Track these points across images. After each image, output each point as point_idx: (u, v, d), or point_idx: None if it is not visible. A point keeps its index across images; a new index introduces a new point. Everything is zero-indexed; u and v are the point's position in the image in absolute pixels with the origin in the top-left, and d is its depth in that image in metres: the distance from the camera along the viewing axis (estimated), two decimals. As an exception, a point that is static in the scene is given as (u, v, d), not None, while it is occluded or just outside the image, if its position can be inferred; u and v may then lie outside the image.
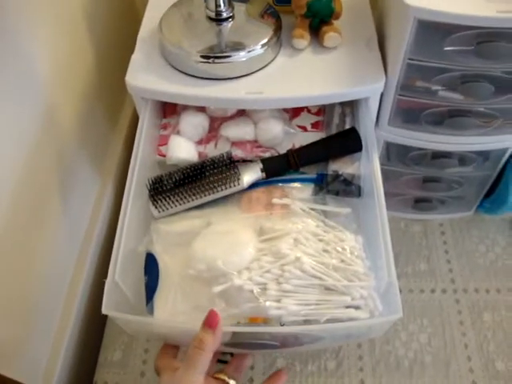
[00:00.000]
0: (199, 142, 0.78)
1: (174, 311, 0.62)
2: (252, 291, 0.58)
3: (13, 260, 0.68)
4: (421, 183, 0.91)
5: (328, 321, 0.59)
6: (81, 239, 0.89)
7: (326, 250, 0.63)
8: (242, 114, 0.80)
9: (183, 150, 0.75)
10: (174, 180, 0.71)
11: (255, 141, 0.77)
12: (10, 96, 0.65)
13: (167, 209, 0.70)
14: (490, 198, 0.95)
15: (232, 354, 0.85)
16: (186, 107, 0.79)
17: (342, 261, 0.63)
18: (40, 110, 0.73)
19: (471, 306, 0.91)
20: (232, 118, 0.79)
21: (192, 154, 0.75)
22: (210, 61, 0.73)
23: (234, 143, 0.77)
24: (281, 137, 0.76)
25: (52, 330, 0.81)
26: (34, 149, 0.71)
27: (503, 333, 0.88)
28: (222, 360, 0.85)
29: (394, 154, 0.87)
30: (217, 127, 0.79)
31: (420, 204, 0.97)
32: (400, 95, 0.75)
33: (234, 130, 0.78)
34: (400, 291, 0.91)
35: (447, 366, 0.86)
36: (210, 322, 0.55)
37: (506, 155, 0.85)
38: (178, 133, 0.78)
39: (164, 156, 0.77)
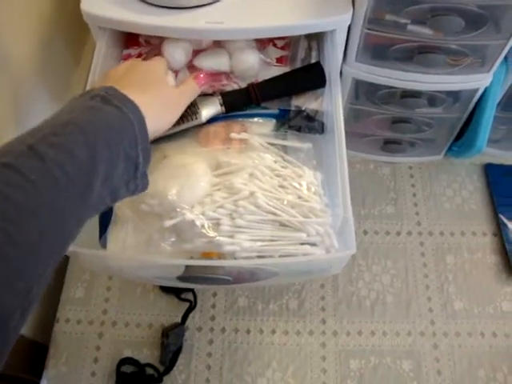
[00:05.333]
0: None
1: (127, 245, 0.60)
2: (203, 226, 0.57)
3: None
4: (390, 124, 0.90)
5: (282, 256, 0.58)
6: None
7: (282, 186, 0.61)
8: (217, 46, 0.76)
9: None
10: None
11: (230, 72, 0.74)
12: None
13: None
14: (459, 141, 0.94)
15: (194, 293, 0.85)
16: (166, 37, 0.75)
17: (299, 197, 0.61)
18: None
19: (435, 248, 0.92)
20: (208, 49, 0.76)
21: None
22: (172, -12, 0.69)
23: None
24: (256, 67, 0.73)
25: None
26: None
27: (464, 275, 0.89)
28: (184, 299, 0.85)
29: (362, 92, 0.85)
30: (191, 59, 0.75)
31: (389, 146, 0.95)
32: (368, 29, 0.73)
33: (208, 60, 0.74)
34: (366, 233, 0.92)
35: (408, 305, 0.87)
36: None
37: (476, 97, 0.83)
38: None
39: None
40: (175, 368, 0.81)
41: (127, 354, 0.83)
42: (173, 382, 0.81)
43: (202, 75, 0.66)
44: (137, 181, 0.48)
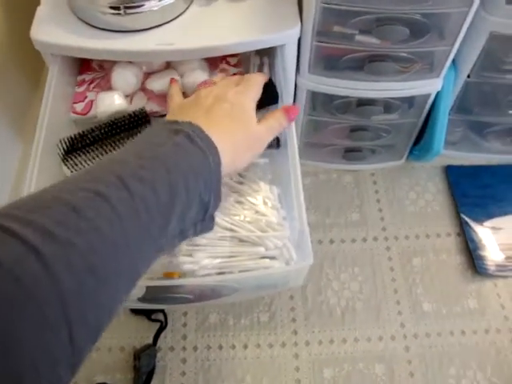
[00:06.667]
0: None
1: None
2: (161, 246, 0.57)
3: None
4: (348, 132, 0.91)
5: (242, 272, 0.59)
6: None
7: (239, 202, 0.62)
8: (169, 67, 0.77)
9: (116, 104, 0.72)
10: (85, 139, 0.68)
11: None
12: None
13: (79, 168, 0.67)
14: (419, 145, 0.95)
15: (164, 313, 0.85)
16: (116, 62, 0.75)
17: (256, 212, 0.62)
18: None
19: (401, 252, 0.93)
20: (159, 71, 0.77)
21: (124, 107, 0.72)
22: (121, 11, 0.69)
23: (150, 98, 0.74)
24: None
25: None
26: None
27: (430, 276, 0.90)
28: (154, 319, 0.85)
29: (319, 103, 0.86)
30: (144, 81, 0.76)
31: (350, 154, 0.97)
32: (318, 41, 0.74)
33: (159, 82, 0.75)
34: (332, 242, 0.93)
35: (377, 310, 0.88)
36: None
37: (429, 101, 0.85)
38: (100, 88, 0.75)
39: (79, 114, 0.74)
40: (149, 390, 0.81)
41: (100, 379, 0.82)
42: (147, 404, 0.80)
43: (296, 108, 0.62)
44: (204, 223, 0.48)
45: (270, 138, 0.58)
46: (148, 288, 0.60)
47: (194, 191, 0.44)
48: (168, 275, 0.60)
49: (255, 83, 0.60)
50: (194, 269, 0.58)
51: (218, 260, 0.59)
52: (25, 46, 0.90)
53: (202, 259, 0.58)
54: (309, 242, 0.59)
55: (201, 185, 0.45)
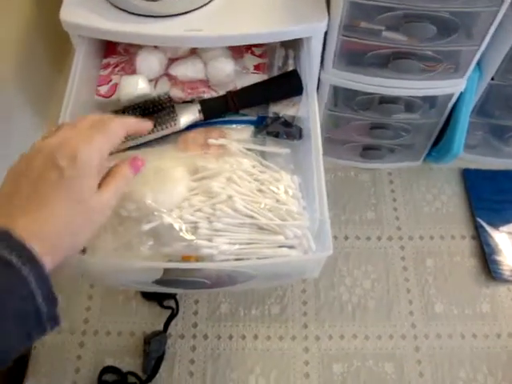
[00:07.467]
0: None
1: (106, 249, 0.60)
2: (181, 229, 0.57)
3: None
4: (368, 130, 0.91)
5: (260, 259, 0.59)
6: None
7: (260, 190, 0.62)
8: (193, 54, 0.77)
9: (139, 88, 0.72)
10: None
11: (207, 80, 0.75)
12: None
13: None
14: (437, 146, 0.95)
15: (176, 300, 0.85)
16: (141, 46, 0.76)
17: (277, 200, 0.62)
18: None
19: (415, 252, 0.93)
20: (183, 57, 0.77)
21: (147, 91, 0.72)
22: (150, -4, 0.69)
23: (174, 83, 0.75)
24: (232, 76, 0.74)
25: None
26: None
27: (444, 277, 0.90)
28: (166, 306, 0.85)
29: (341, 98, 0.86)
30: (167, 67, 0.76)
31: (368, 152, 0.96)
32: (344, 36, 0.74)
33: (182, 69, 0.75)
34: (347, 238, 0.93)
35: (389, 309, 0.87)
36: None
37: (451, 102, 0.84)
38: (125, 72, 0.75)
39: (103, 96, 0.75)
40: (158, 376, 0.81)
41: (109, 362, 0.82)
42: (155, 389, 0.81)
43: (140, 161, 0.52)
44: (44, 325, 0.42)
45: (115, 201, 0.49)
46: (165, 270, 0.60)
47: (2, 313, 0.39)
48: (186, 259, 0.61)
49: (108, 131, 0.48)
50: (212, 253, 0.58)
51: (237, 246, 0.59)
52: (52, 28, 0.91)
53: (221, 244, 0.58)
54: (329, 232, 0.59)
55: (14, 304, 0.39)
